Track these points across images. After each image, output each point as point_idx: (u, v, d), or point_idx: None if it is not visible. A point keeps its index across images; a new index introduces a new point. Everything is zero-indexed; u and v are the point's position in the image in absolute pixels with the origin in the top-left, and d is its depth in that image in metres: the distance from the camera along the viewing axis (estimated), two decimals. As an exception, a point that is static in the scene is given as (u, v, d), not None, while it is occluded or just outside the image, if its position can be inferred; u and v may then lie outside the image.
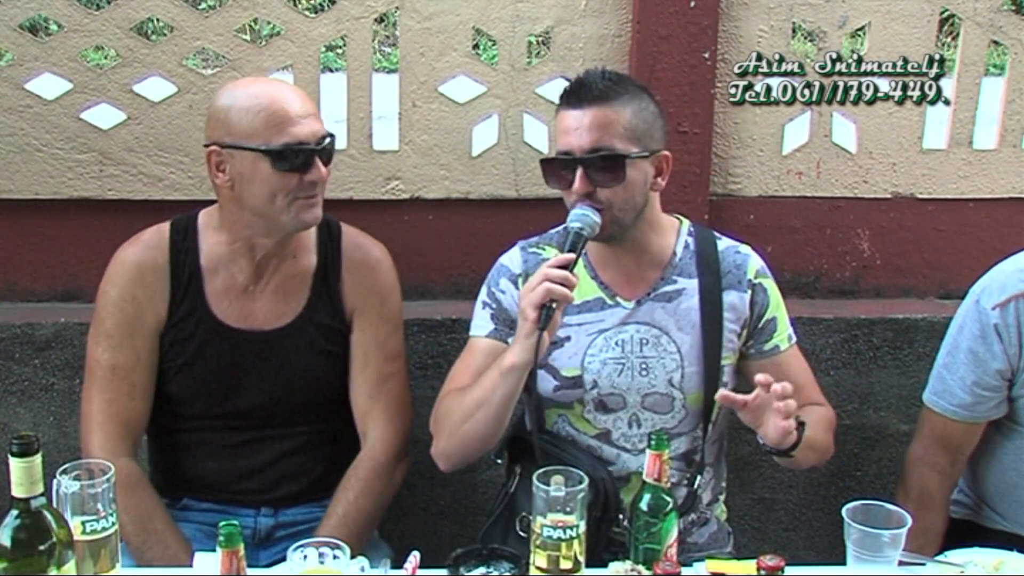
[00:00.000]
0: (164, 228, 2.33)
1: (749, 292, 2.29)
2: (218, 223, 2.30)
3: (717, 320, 2.25)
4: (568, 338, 2.25)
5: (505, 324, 2.28)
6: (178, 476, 2.41)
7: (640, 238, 2.24)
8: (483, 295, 2.34)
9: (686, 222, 2.34)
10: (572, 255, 2.07)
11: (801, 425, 2.07)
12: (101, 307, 2.30)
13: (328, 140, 2.22)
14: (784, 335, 2.33)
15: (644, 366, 2.24)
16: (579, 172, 2.12)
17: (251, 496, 2.37)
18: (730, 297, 2.27)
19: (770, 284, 2.32)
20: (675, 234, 2.31)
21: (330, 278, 2.35)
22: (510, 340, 2.24)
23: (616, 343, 2.25)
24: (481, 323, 2.31)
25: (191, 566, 1.92)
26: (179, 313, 2.29)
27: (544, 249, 2.32)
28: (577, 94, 2.16)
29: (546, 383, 2.27)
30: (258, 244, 2.27)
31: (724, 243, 2.33)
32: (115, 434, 2.26)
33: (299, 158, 2.16)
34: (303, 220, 2.22)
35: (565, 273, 2.02)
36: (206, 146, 2.21)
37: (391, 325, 2.41)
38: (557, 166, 2.18)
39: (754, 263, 2.32)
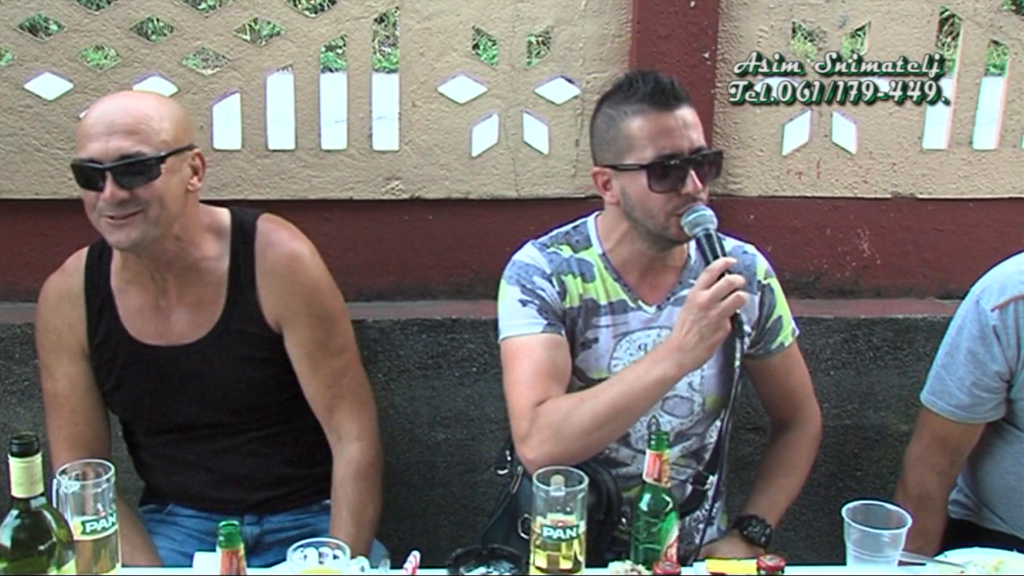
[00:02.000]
0: (83, 253, 2.31)
1: (759, 294, 2.30)
2: None
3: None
4: (596, 340, 2.24)
5: (556, 317, 2.20)
6: (158, 487, 2.43)
7: None
8: (517, 294, 2.21)
9: None
10: (730, 258, 2.07)
11: (766, 538, 2.27)
12: (36, 338, 2.33)
13: (128, 161, 2.05)
14: (788, 330, 2.37)
15: None
16: (692, 173, 2.10)
17: (230, 504, 2.34)
18: None
19: (775, 283, 2.35)
20: None
21: (243, 284, 2.24)
22: (563, 332, 2.21)
23: (640, 346, 2.24)
24: (530, 320, 2.20)
25: (189, 566, 1.92)
26: (98, 337, 2.27)
27: (561, 248, 2.27)
28: (665, 94, 2.12)
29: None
30: (139, 260, 2.21)
31: (730, 244, 2.32)
32: (70, 459, 2.20)
33: (87, 175, 2.08)
34: (111, 240, 2.13)
35: (744, 279, 2.03)
36: None
37: (327, 321, 2.29)
38: (665, 169, 2.10)
39: (762, 264, 2.33)
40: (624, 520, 2.17)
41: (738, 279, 2.00)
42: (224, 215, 2.28)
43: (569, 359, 2.21)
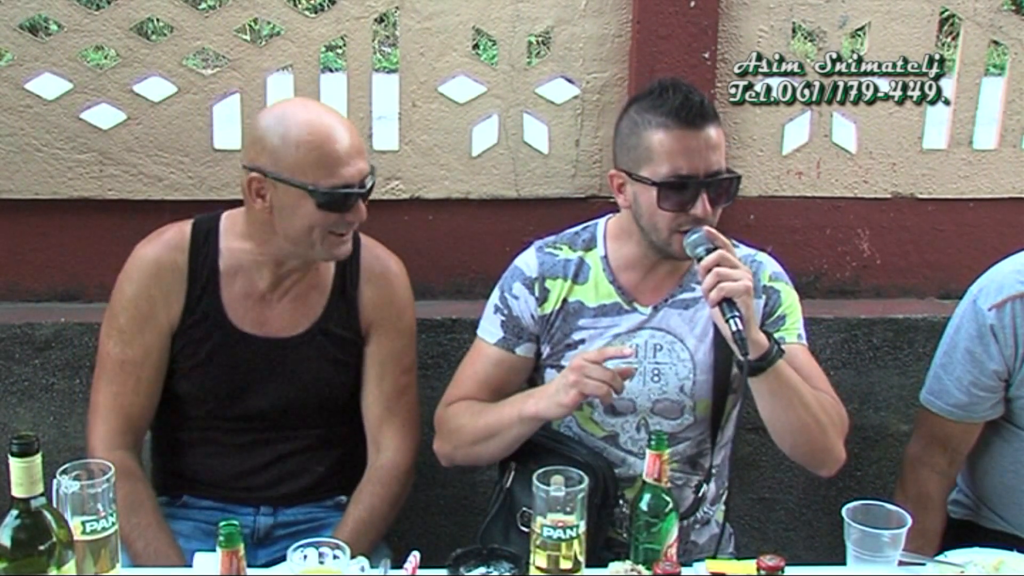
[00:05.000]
0: (186, 228, 2.31)
1: (763, 297, 2.26)
2: (244, 231, 2.28)
3: None
4: (583, 341, 2.25)
5: (514, 333, 2.29)
6: (179, 473, 2.41)
7: None
8: (495, 298, 2.32)
9: None
10: (625, 349, 2.11)
11: (776, 344, 2.07)
12: (116, 302, 2.30)
13: (370, 178, 2.20)
14: (793, 332, 2.26)
15: (656, 372, 2.24)
16: (703, 196, 2.09)
17: (251, 494, 2.38)
18: None
19: (784, 287, 2.30)
20: None
21: (348, 289, 2.35)
22: (518, 350, 2.29)
23: (632, 347, 2.23)
24: (491, 328, 2.31)
25: (190, 565, 1.92)
26: (194, 316, 2.28)
27: (560, 249, 2.30)
28: (692, 112, 2.09)
29: None
30: (286, 261, 2.27)
31: (741, 251, 2.28)
32: (117, 427, 2.26)
33: (345, 200, 2.15)
34: (333, 254, 2.24)
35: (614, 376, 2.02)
36: (247, 169, 2.18)
37: (407, 338, 2.42)
38: (676, 189, 2.10)
39: (767, 268, 2.30)
40: (622, 501, 2.20)
41: (625, 370, 2.04)
42: None
43: (512, 376, 2.31)
